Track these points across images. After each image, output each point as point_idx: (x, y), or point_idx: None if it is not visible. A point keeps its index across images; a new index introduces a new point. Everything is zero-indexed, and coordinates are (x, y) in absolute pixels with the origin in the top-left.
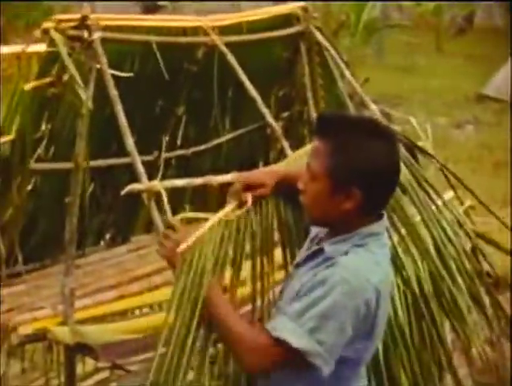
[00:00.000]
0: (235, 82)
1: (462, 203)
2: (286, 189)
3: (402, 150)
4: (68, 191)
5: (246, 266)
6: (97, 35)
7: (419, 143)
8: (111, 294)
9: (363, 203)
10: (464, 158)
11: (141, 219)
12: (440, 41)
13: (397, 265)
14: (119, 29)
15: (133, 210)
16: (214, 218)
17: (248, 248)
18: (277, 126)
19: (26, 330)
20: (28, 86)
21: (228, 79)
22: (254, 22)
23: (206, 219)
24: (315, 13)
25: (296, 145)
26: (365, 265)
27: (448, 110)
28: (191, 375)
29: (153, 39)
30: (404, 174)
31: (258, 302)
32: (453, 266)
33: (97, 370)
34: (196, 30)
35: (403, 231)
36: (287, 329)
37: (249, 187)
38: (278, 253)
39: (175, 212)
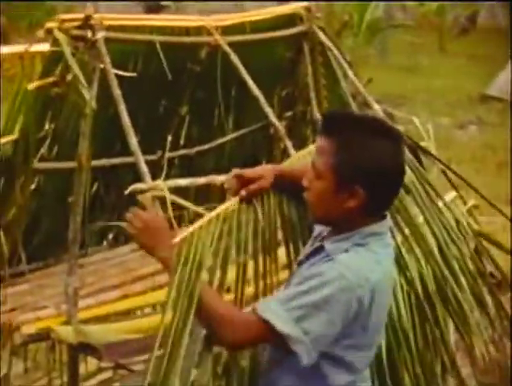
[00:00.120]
0: (238, 82)
1: (465, 203)
2: (289, 186)
3: (406, 151)
4: (72, 191)
5: (249, 265)
6: (100, 35)
7: (422, 143)
8: (114, 294)
9: (366, 202)
10: (467, 159)
11: None
12: (443, 41)
13: (400, 265)
14: (122, 29)
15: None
16: (212, 213)
17: (250, 245)
18: (280, 126)
19: (29, 329)
20: (32, 86)
21: (231, 78)
22: (257, 22)
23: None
24: (319, 13)
25: (299, 144)
26: (363, 264)
27: (451, 110)
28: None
29: (156, 38)
30: (407, 174)
31: None
32: (456, 266)
33: (100, 370)
34: (199, 30)
35: (407, 231)
36: (274, 311)
37: (247, 183)
38: (282, 253)
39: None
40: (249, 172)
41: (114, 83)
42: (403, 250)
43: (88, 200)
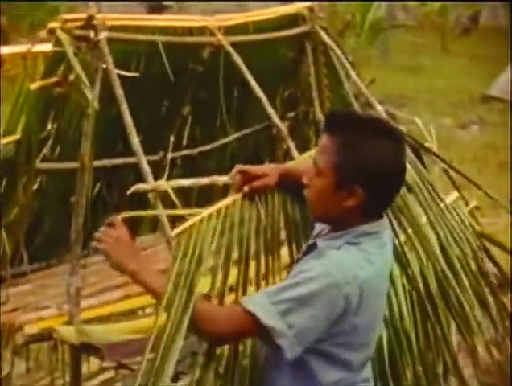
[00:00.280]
0: (241, 82)
1: (467, 204)
2: (293, 186)
3: (408, 151)
4: (74, 191)
5: (251, 265)
6: (103, 35)
7: (425, 144)
8: (116, 294)
9: (365, 202)
10: (469, 159)
11: (146, 219)
12: (445, 41)
13: (403, 265)
14: (125, 29)
15: (138, 210)
16: (212, 207)
17: (253, 243)
18: (283, 126)
19: (31, 329)
20: (34, 86)
21: (233, 79)
22: (260, 22)
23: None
24: (321, 13)
25: (302, 145)
26: (352, 262)
27: (453, 110)
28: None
29: (159, 38)
30: (410, 174)
31: None
32: (458, 267)
33: (103, 370)
34: (201, 30)
35: (410, 231)
36: (260, 304)
37: (251, 179)
38: (285, 253)
39: None
40: (254, 169)
41: (117, 83)
42: (406, 249)
43: (90, 200)
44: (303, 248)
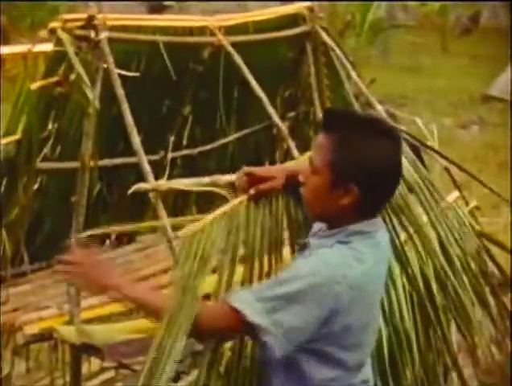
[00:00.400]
0: (241, 82)
1: (467, 204)
2: (296, 186)
3: (408, 150)
4: (74, 191)
5: (256, 265)
6: (103, 35)
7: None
8: None
9: (360, 200)
10: (469, 158)
11: (147, 219)
12: (446, 41)
13: (403, 264)
14: (126, 29)
15: (139, 209)
16: (218, 211)
17: (258, 244)
18: (283, 126)
19: (31, 329)
20: (35, 85)
21: (234, 79)
22: (260, 22)
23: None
24: (321, 13)
25: (302, 145)
26: (341, 260)
27: (454, 110)
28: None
29: (159, 38)
30: (411, 173)
31: None
32: (459, 266)
33: (103, 369)
34: (202, 30)
35: (410, 230)
36: (247, 301)
37: (258, 181)
38: (287, 252)
39: (181, 212)
40: (260, 171)
41: (117, 83)
42: (406, 249)
43: (91, 200)
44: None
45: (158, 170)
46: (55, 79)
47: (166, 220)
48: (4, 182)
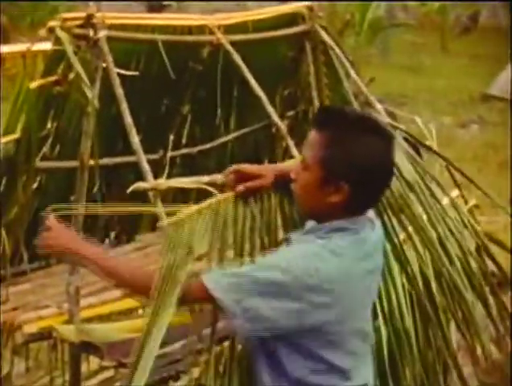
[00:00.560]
0: (240, 81)
1: (467, 202)
2: (289, 186)
3: (409, 149)
4: (74, 190)
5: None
6: (102, 34)
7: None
8: (116, 293)
9: (350, 199)
10: (469, 158)
11: (146, 218)
12: (445, 40)
13: (402, 263)
14: (125, 28)
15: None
16: (203, 203)
17: (247, 241)
18: (282, 125)
19: (31, 328)
20: (34, 84)
21: (233, 77)
22: (260, 20)
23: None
24: (321, 12)
25: (301, 144)
26: (316, 253)
27: (453, 110)
28: (196, 374)
29: (158, 37)
30: (410, 172)
31: None
32: (458, 265)
33: (102, 369)
34: (201, 29)
35: (410, 229)
36: (215, 276)
37: (247, 179)
38: None
39: None
40: (249, 168)
41: (116, 82)
42: (405, 248)
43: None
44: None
45: (158, 169)
46: (54, 78)
47: (163, 213)
48: (3, 181)
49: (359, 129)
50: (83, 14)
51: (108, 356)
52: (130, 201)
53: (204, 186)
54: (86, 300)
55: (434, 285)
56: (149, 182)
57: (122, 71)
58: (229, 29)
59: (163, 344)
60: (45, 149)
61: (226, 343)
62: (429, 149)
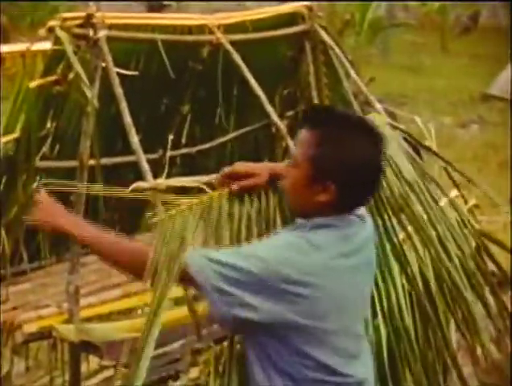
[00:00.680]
0: (240, 80)
1: (466, 202)
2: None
3: (408, 149)
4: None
5: None
6: (102, 34)
7: (425, 143)
8: (116, 293)
9: (337, 198)
10: (469, 158)
11: (146, 218)
12: (445, 40)
13: (402, 263)
14: (124, 27)
15: (138, 208)
16: (195, 199)
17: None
18: (282, 125)
19: (30, 328)
20: (33, 84)
21: (233, 77)
22: (259, 20)
23: None
24: (321, 12)
25: None
26: (296, 245)
27: (453, 110)
28: (195, 373)
29: (158, 37)
30: (410, 172)
31: None
32: (458, 265)
33: (102, 368)
34: (201, 29)
35: (410, 229)
36: (198, 260)
37: (241, 178)
38: None
39: None
40: (243, 168)
41: (116, 81)
42: (405, 248)
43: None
44: None
45: (157, 168)
46: (53, 77)
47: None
48: (3, 180)
49: (349, 128)
50: (83, 14)
51: (107, 356)
52: (129, 200)
53: (204, 186)
54: (86, 299)
55: (434, 285)
56: (148, 182)
57: (122, 71)
58: (228, 29)
59: (163, 344)
60: (45, 148)
61: (225, 343)
62: (428, 150)
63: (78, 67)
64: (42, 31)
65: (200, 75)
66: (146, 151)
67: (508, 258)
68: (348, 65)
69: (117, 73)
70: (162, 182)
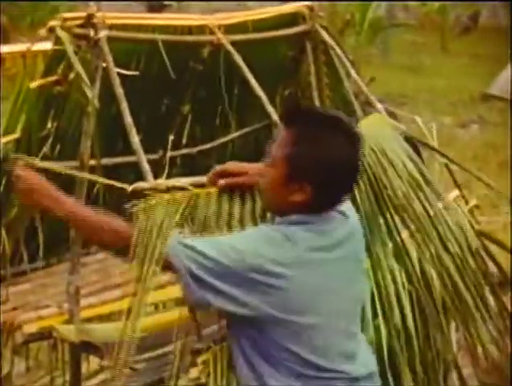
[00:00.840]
0: (241, 80)
1: (467, 202)
2: None
3: (409, 148)
4: (74, 190)
5: None
6: (103, 34)
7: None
8: (117, 293)
9: (313, 199)
10: (469, 158)
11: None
12: (445, 40)
13: (403, 263)
14: (125, 27)
15: None
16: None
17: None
18: None
19: (31, 328)
20: (34, 84)
21: (233, 77)
22: (260, 20)
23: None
24: (321, 12)
25: None
26: (270, 238)
27: (453, 109)
28: (195, 373)
29: (159, 37)
30: (411, 172)
31: None
32: (458, 265)
33: (102, 368)
34: (201, 29)
35: (412, 228)
36: (177, 246)
37: (230, 176)
38: None
39: None
40: (233, 167)
41: (117, 81)
42: (407, 247)
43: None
44: None
45: (158, 169)
46: (54, 78)
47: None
48: (3, 180)
49: (326, 128)
50: (83, 14)
51: (108, 356)
52: (129, 201)
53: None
54: (86, 300)
55: (434, 285)
56: (149, 182)
57: (123, 71)
58: (229, 29)
59: (163, 344)
60: (45, 149)
61: (225, 343)
62: (430, 147)
63: (79, 67)
64: (42, 31)
65: (200, 75)
66: (146, 151)
67: (508, 258)
68: (348, 65)
69: (118, 73)
70: (162, 182)
